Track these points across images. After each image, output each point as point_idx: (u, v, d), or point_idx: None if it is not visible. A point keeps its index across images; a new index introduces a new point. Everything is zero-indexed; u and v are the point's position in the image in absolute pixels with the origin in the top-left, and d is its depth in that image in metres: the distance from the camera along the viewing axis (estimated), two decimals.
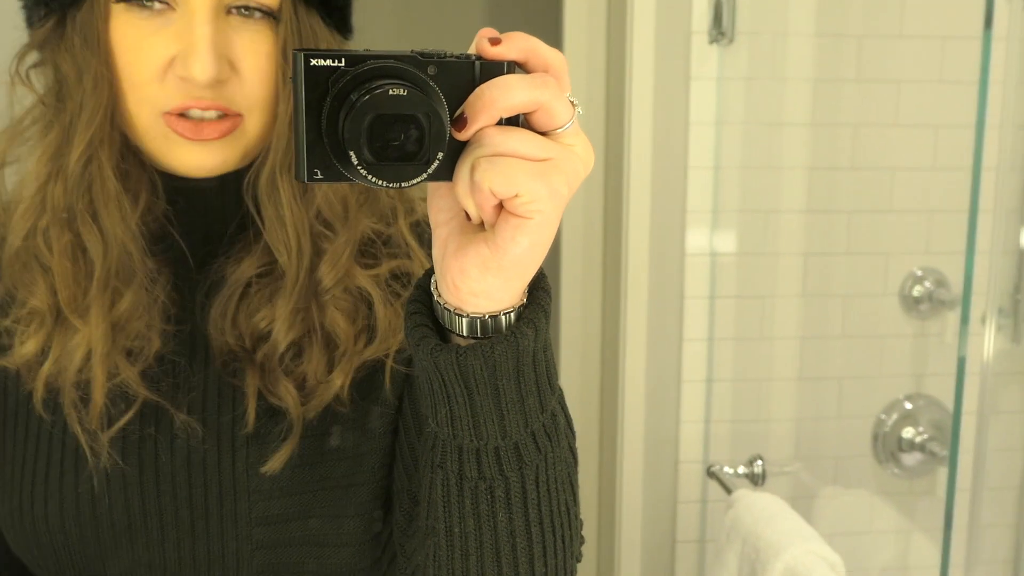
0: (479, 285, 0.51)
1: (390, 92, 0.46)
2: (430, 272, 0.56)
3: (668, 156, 1.79)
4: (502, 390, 0.54)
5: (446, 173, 0.49)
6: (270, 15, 0.67)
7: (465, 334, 0.53)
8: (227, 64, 0.65)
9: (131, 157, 0.70)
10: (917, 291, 1.85)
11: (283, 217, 0.70)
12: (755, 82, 1.78)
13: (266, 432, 0.71)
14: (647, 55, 1.75)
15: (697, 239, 1.81)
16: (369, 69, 0.47)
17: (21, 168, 0.72)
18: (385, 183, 0.47)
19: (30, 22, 0.69)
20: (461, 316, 0.53)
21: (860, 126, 1.81)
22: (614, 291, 1.90)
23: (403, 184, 0.47)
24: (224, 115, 0.67)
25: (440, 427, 0.57)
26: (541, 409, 0.56)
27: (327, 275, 0.72)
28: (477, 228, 0.51)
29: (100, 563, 0.71)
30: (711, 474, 1.65)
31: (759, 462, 1.63)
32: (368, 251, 0.75)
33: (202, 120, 0.66)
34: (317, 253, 0.72)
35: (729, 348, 1.86)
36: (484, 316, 0.53)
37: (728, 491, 1.56)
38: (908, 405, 1.87)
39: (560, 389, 0.60)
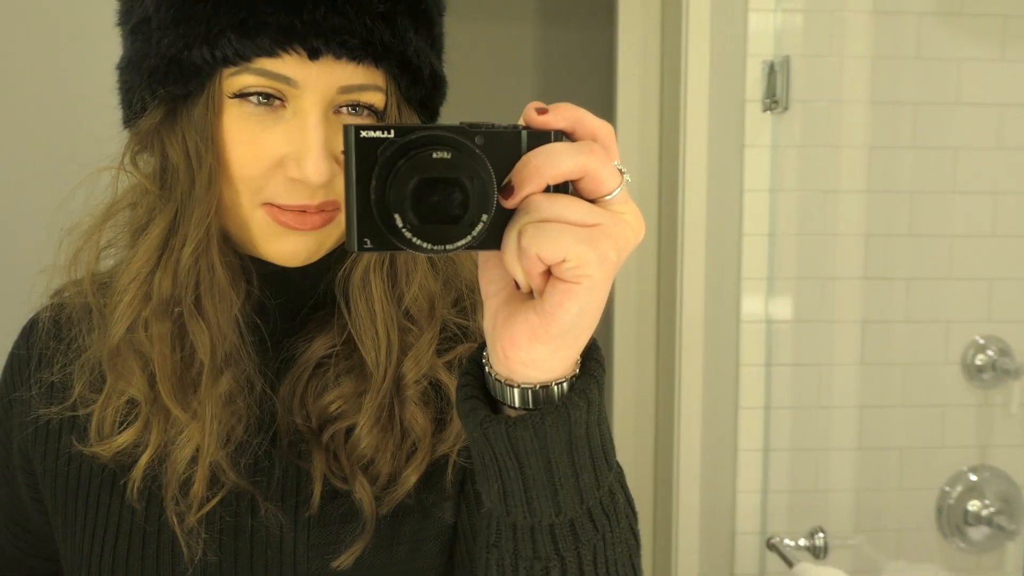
0: (528, 354, 0.50)
1: (434, 155, 0.46)
2: (483, 346, 0.54)
3: (722, 223, 1.79)
4: (554, 463, 0.52)
5: (494, 242, 0.49)
6: (376, 115, 0.68)
7: (517, 405, 0.52)
8: (335, 161, 0.66)
9: (234, 250, 0.70)
10: (980, 360, 1.81)
11: (374, 314, 0.70)
12: (809, 149, 1.78)
13: (330, 515, 0.71)
14: (701, 123, 1.76)
15: (752, 306, 1.80)
16: (416, 138, 0.47)
17: (116, 251, 0.73)
18: (430, 245, 0.47)
19: (134, 107, 0.69)
20: (512, 387, 0.52)
21: (917, 193, 1.79)
22: (668, 358, 1.89)
23: (447, 247, 0.47)
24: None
25: (494, 503, 0.55)
26: (597, 485, 0.54)
27: (411, 370, 0.72)
28: (526, 297, 0.51)
29: None
30: (771, 546, 1.61)
31: (820, 534, 1.58)
32: (449, 347, 0.75)
33: (304, 214, 0.67)
34: (402, 349, 0.72)
35: (786, 417, 1.83)
36: (535, 386, 0.51)
37: (789, 564, 1.52)
38: (973, 477, 1.82)
39: (619, 467, 0.59)
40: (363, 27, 0.64)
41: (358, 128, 0.48)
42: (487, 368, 0.53)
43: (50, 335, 0.77)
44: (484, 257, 0.53)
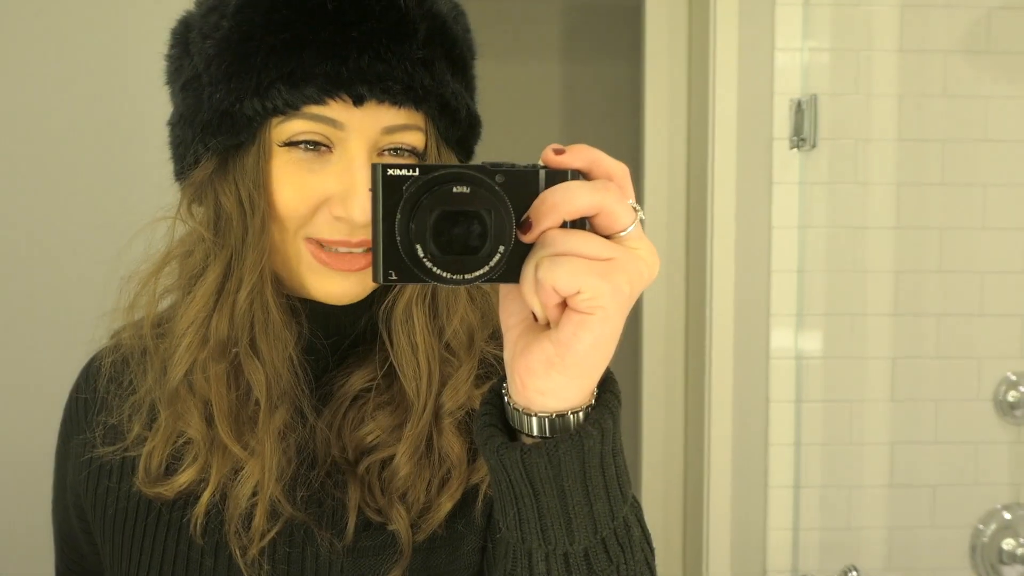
0: (544, 383, 0.51)
1: (454, 190, 0.49)
2: (503, 377, 0.56)
3: (751, 259, 1.80)
4: (568, 491, 0.53)
5: (513, 275, 0.51)
6: (416, 156, 0.71)
7: (534, 434, 0.53)
8: None
9: (280, 290, 0.72)
10: (1012, 396, 1.80)
11: (415, 346, 0.72)
12: (837, 186, 1.79)
13: (363, 547, 0.72)
14: (729, 160, 1.77)
15: (782, 342, 1.80)
16: (439, 175, 0.50)
17: (172, 295, 0.75)
18: (450, 275, 0.49)
19: (187, 160, 0.72)
20: (529, 415, 0.53)
21: (946, 229, 1.79)
22: (697, 393, 1.89)
23: (466, 276, 0.49)
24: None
25: (510, 530, 0.57)
26: (612, 516, 0.55)
27: (449, 400, 0.74)
28: (544, 328, 0.52)
29: None
30: None
31: (854, 573, 1.57)
32: (484, 376, 0.76)
33: (351, 254, 0.70)
34: (442, 380, 0.74)
35: (817, 453, 1.82)
36: (551, 415, 0.53)
37: None
38: (1007, 515, 1.80)
39: (636, 501, 0.60)
40: (404, 73, 0.68)
41: (385, 167, 0.50)
42: (506, 398, 0.55)
43: (106, 377, 0.79)
44: (504, 290, 0.55)
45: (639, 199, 1.97)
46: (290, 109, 0.66)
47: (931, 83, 1.77)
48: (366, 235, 0.69)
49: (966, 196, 1.79)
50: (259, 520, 0.70)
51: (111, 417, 0.77)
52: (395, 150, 0.70)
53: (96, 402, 0.79)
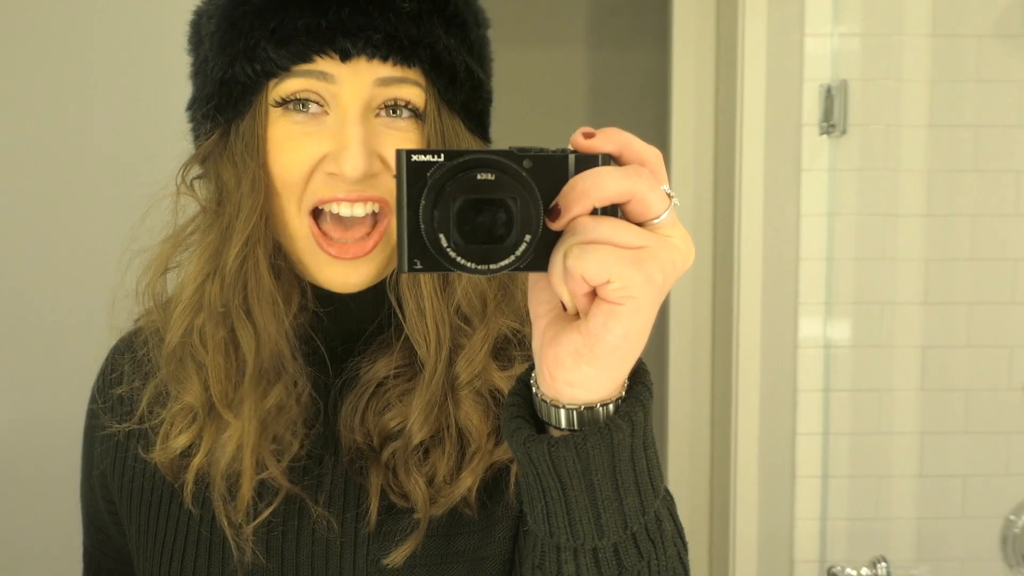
0: (573, 374, 0.50)
1: (478, 177, 0.47)
2: (532, 367, 0.54)
3: (779, 247, 1.79)
4: (597, 486, 0.52)
5: (541, 263, 0.49)
6: (416, 115, 0.70)
7: (562, 426, 0.52)
8: (377, 159, 0.68)
9: (284, 261, 0.72)
10: None
11: (423, 310, 0.71)
12: (868, 173, 1.77)
13: (388, 531, 0.71)
14: (757, 147, 1.76)
15: (810, 330, 1.78)
16: (464, 161, 0.48)
17: (180, 272, 0.75)
18: (474, 265, 0.47)
19: (197, 136, 0.73)
20: (557, 407, 0.51)
21: (978, 216, 1.77)
22: (725, 383, 1.88)
23: (491, 267, 0.47)
24: (367, 234, 0.70)
25: (537, 524, 0.55)
26: (642, 510, 0.54)
27: (464, 370, 0.72)
28: (573, 318, 0.50)
29: None
30: (832, 575, 1.59)
31: (883, 563, 1.56)
32: (503, 352, 0.75)
33: (344, 243, 0.70)
34: (455, 348, 0.72)
35: (845, 443, 1.81)
36: (580, 407, 0.51)
37: None
38: None
39: (669, 495, 0.58)
40: (387, 23, 0.67)
41: (410, 152, 0.49)
42: (534, 389, 0.53)
43: (126, 356, 0.80)
44: (533, 279, 0.53)
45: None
46: (278, 69, 0.66)
47: (964, 68, 1.75)
48: (361, 191, 0.68)
49: (999, 183, 1.76)
50: (245, 487, 0.70)
51: (134, 396, 0.78)
52: (393, 109, 0.69)
53: (120, 382, 0.80)
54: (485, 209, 0.47)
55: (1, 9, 1.66)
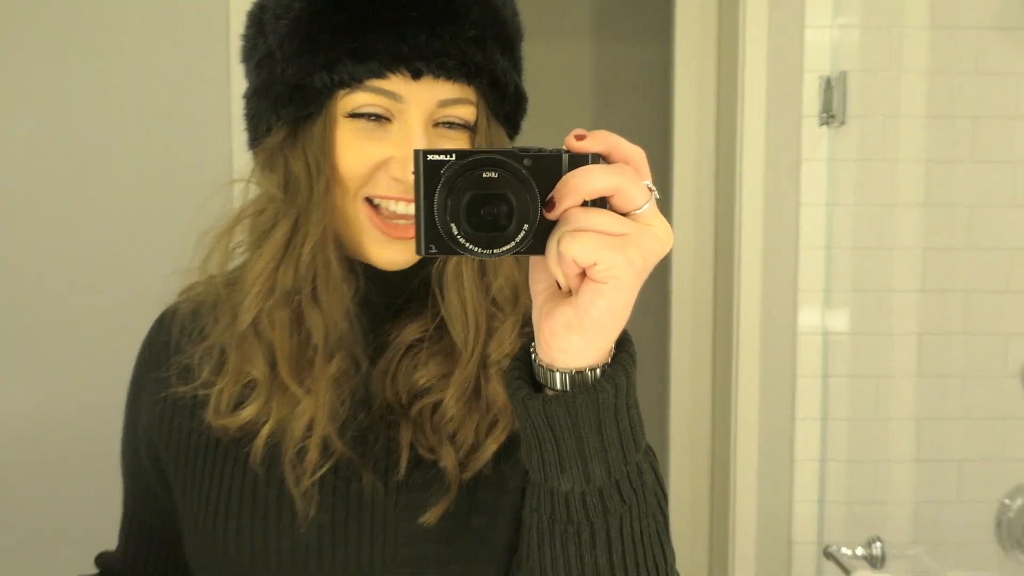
0: (565, 343, 0.58)
1: (484, 175, 0.55)
2: (532, 338, 0.62)
3: (779, 236, 1.82)
4: (584, 438, 0.60)
5: (539, 248, 0.57)
6: (468, 128, 0.78)
7: (557, 387, 0.60)
8: None
9: (341, 251, 0.80)
10: None
11: (464, 300, 0.79)
12: (866, 163, 1.80)
13: (415, 480, 0.78)
14: (758, 138, 1.79)
15: (809, 318, 1.82)
16: (472, 160, 0.56)
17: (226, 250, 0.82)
18: (480, 250, 0.55)
19: (259, 129, 0.79)
20: (552, 371, 0.60)
21: (976, 206, 1.80)
22: (725, 369, 1.91)
23: (495, 251, 0.55)
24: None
25: (534, 472, 0.64)
26: (624, 461, 0.62)
27: (495, 351, 0.80)
28: (566, 295, 0.58)
29: None
30: (828, 555, 1.63)
31: (878, 544, 1.59)
32: (528, 328, 0.81)
33: (398, 224, 0.77)
34: (489, 332, 0.80)
35: (843, 428, 1.84)
36: (572, 371, 0.59)
37: (846, 572, 1.53)
38: None
39: (651, 451, 0.66)
40: (458, 50, 0.75)
41: (425, 152, 0.57)
42: (533, 356, 0.62)
43: (181, 325, 0.86)
44: (533, 261, 0.61)
45: (668, 176, 1.99)
46: (355, 82, 0.74)
47: (963, 60, 1.77)
48: None
49: (996, 173, 1.79)
50: (313, 454, 0.77)
51: (184, 361, 0.84)
52: (449, 124, 0.77)
53: (169, 348, 0.86)
54: (490, 202, 0.55)
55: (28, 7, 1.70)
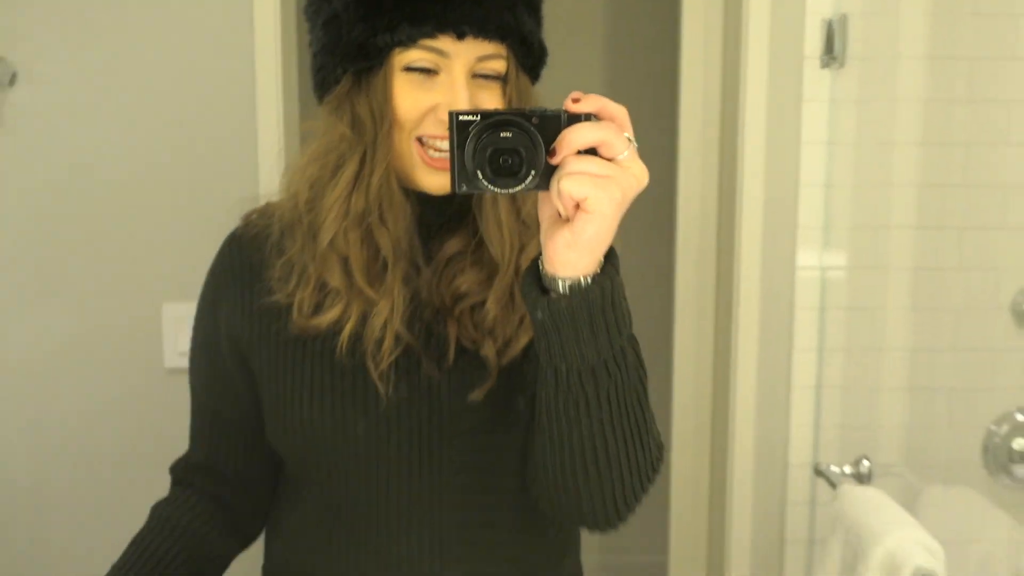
0: (564, 258, 0.77)
1: (501, 135, 0.75)
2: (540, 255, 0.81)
3: (780, 175, 1.89)
4: (579, 328, 0.79)
5: (545, 186, 0.76)
6: (500, 79, 0.95)
7: (559, 291, 0.78)
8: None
9: (399, 179, 0.96)
10: None
11: (501, 225, 0.97)
12: (866, 104, 1.86)
13: (462, 365, 0.98)
14: (761, 80, 1.86)
15: (808, 252, 1.90)
16: (493, 120, 0.76)
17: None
18: (499, 188, 0.76)
19: (327, 81, 0.96)
20: (556, 279, 0.78)
21: (971, 145, 1.86)
22: (727, 302, 2.01)
23: (511, 189, 0.76)
24: None
25: (543, 355, 0.83)
26: (610, 346, 0.80)
27: (525, 261, 0.96)
28: (565, 222, 0.76)
29: (351, 464, 0.99)
30: (818, 472, 1.74)
31: (865, 462, 1.70)
32: None
33: (443, 158, 0.93)
34: (521, 248, 0.98)
35: (839, 358, 1.93)
36: (570, 279, 0.78)
37: (833, 486, 1.64)
38: (1020, 417, 1.89)
39: (634, 338, 0.85)
40: (495, 15, 0.91)
41: (458, 113, 0.77)
42: (541, 267, 0.80)
43: (257, 243, 1.03)
44: (541, 196, 0.80)
45: (675, 116, 2.07)
46: (410, 42, 0.90)
47: (961, 1, 1.82)
48: None
49: (992, 112, 1.85)
50: (388, 343, 0.95)
51: (266, 273, 1.00)
52: (485, 76, 0.94)
53: (247, 263, 1.03)
54: (506, 154, 0.75)
55: None
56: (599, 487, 0.88)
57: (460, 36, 0.90)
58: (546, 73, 1.03)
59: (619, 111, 0.77)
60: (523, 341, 0.97)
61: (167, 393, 1.86)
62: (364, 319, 0.96)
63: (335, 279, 0.96)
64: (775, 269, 1.92)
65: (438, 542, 0.99)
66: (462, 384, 0.97)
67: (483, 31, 0.91)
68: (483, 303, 0.98)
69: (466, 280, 0.98)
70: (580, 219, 0.74)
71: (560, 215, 0.77)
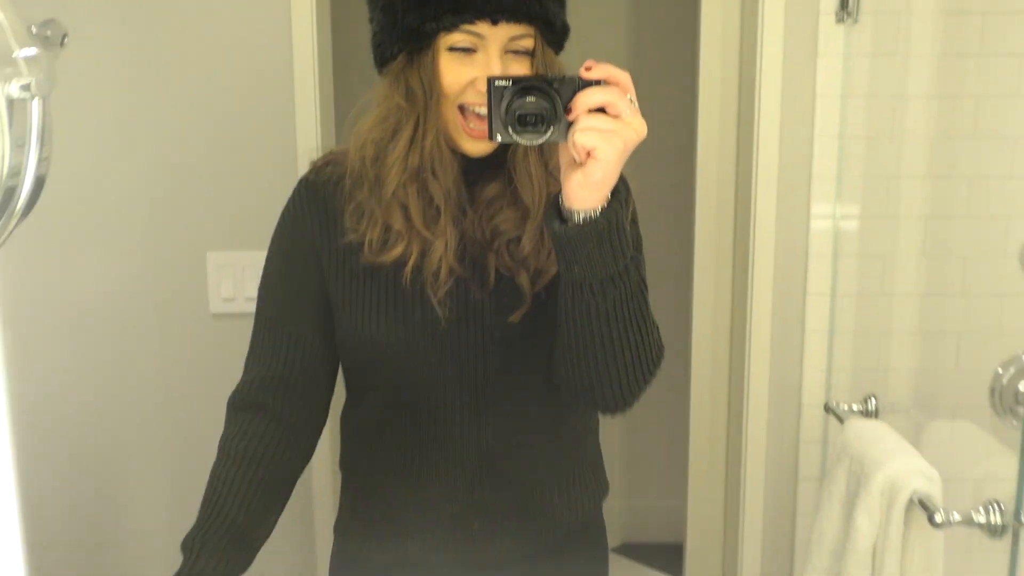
0: (577, 195, 0.96)
1: (528, 98, 0.97)
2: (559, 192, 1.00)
3: (796, 127, 1.97)
4: (590, 250, 0.98)
5: (563, 138, 0.96)
6: (529, 54, 1.10)
7: (575, 221, 0.97)
8: None
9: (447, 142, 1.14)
10: None
11: (531, 176, 1.15)
12: (879, 58, 1.93)
13: (502, 290, 1.16)
14: (777, 35, 1.93)
15: (822, 201, 1.98)
16: (523, 86, 0.97)
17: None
18: (526, 140, 0.97)
19: (385, 56, 1.13)
20: (572, 211, 0.98)
21: (981, 97, 1.92)
22: (744, 250, 2.09)
23: (536, 140, 0.97)
24: None
25: (562, 273, 1.03)
26: (615, 264, 1.00)
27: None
28: (580, 166, 0.95)
29: (415, 370, 1.18)
30: (828, 409, 1.83)
31: (872, 400, 1.79)
32: None
33: (475, 129, 1.11)
34: (549, 193, 1.12)
35: (851, 303, 2.01)
36: (583, 211, 0.97)
37: (842, 422, 1.73)
38: None
39: (637, 259, 1.05)
40: (525, 3, 1.07)
41: (494, 79, 0.98)
42: (560, 202, 0.99)
43: (331, 187, 1.20)
44: (560, 146, 0.99)
45: (695, 70, 2.14)
46: (453, 28, 1.07)
47: None
48: None
49: (1004, 65, 1.90)
50: (443, 274, 1.13)
51: (342, 215, 1.18)
52: (515, 52, 1.10)
53: (323, 204, 1.20)
54: (531, 113, 0.96)
55: None
56: (608, 378, 1.07)
57: (495, 22, 1.07)
58: (573, 35, 1.16)
59: (623, 77, 0.96)
60: (552, 272, 1.14)
61: (213, 335, 1.98)
62: (423, 255, 1.14)
63: (398, 223, 1.14)
64: (790, 218, 2.00)
65: (484, 424, 1.20)
66: (502, 306, 1.16)
67: (514, 17, 1.07)
68: (518, 239, 1.15)
69: (503, 219, 1.16)
70: (590, 164, 0.94)
71: (575, 161, 0.96)
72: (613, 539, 3.29)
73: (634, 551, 3.21)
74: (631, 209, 1.07)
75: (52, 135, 0.62)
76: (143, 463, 2.04)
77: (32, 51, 0.62)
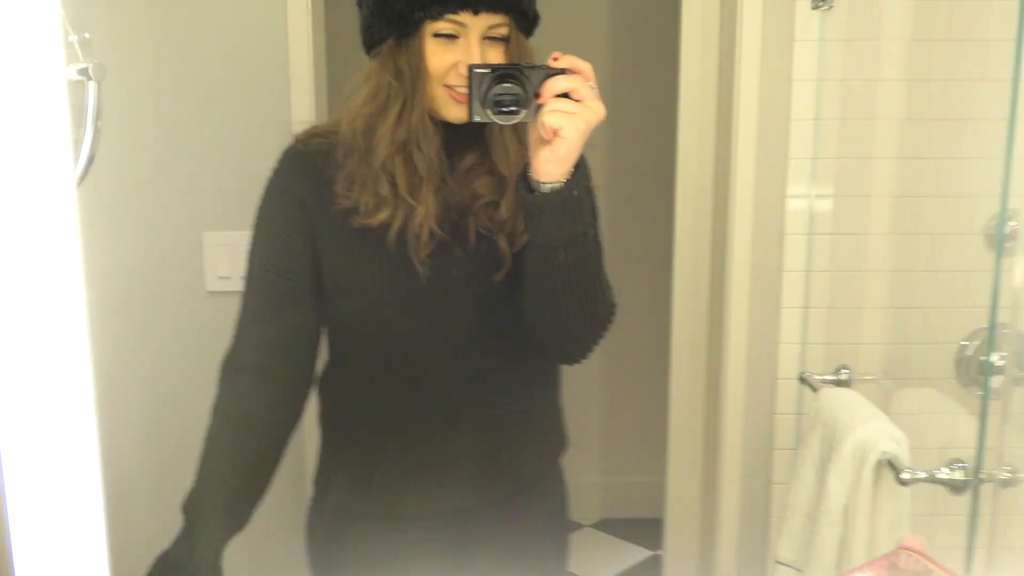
0: (544, 168, 1.09)
1: (504, 84, 1.10)
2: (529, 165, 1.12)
3: (773, 110, 2.04)
4: (553, 216, 1.11)
5: (533, 118, 1.09)
6: (504, 40, 1.20)
7: (541, 191, 1.10)
8: None
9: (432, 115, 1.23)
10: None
11: (507, 149, 1.26)
12: (853, 43, 2.00)
13: (483, 250, 1.26)
14: (755, 21, 2.00)
15: (798, 182, 2.05)
16: (500, 73, 1.11)
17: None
18: (501, 120, 1.11)
19: (374, 40, 1.22)
20: (539, 183, 1.10)
21: (950, 81, 2.00)
22: (722, 228, 2.16)
23: (509, 121, 1.11)
24: None
25: (529, 235, 1.16)
26: (575, 227, 1.13)
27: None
28: (546, 143, 1.08)
29: (399, 326, 1.27)
30: (802, 379, 1.91)
31: (844, 370, 1.87)
32: None
33: (460, 93, 1.19)
34: (522, 163, 1.19)
35: (825, 279, 2.09)
36: (548, 183, 1.10)
37: (815, 390, 1.82)
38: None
39: (593, 225, 1.18)
40: None
41: (474, 66, 1.12)
42: (529, 173, 1.11)
43: (322, 156, 1.27)
44: (531, 125, 1.11)
45: (676, 55, 2.21)
46: (438, 16, 1.17)
47: None
48: None
49: (971, 49, 1.98)
50: (425, 237, 1.23)
51: (333, 182, 1.25)
52: (492, 39, 1.20)
53: (315, 170, 1.27)
54: (507, 97, 1.10)
55: None
56: (566, 329, 1.22)
57: (476, 12, 1.17)
58: (551, 26, 1.27)
59: (585, 66, 1.11)
60: (527, 237, 1.22)
61: (209, 313, 2.04)
62: (407, 220, 1.22)
63: (385, 190, 1.23)
64: (767, 197, 2.07)
65: (463, 378, 1.30)
66: (482, 265, 1.26)
67: (493, 7, 1.18)
68: (496, 204, 1.26)
69: (480, 184, 1.26)
70: (556, 142, 1.08)
71: (543, 139, 1.09)
72: (593, 515, 3.40)
73: (613, 526, 3.28)
74: (589, 182, 1.18)
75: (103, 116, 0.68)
76: (138, 441, 2.08)
77: (86, 36, 0.67)
